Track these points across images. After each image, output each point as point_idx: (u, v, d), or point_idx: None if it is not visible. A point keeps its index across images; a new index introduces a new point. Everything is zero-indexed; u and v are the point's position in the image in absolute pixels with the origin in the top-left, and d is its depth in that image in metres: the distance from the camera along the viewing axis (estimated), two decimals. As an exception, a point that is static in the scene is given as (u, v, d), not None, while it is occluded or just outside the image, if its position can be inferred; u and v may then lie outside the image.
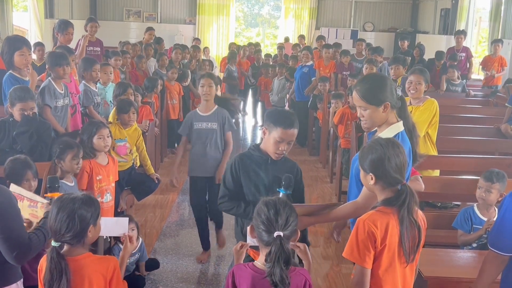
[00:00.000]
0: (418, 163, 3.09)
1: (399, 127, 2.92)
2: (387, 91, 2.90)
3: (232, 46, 12.98)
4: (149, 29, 10.21)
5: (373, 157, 2.47)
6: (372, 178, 2.48)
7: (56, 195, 2.99)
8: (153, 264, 4.61)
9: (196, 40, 13.10)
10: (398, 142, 2.58)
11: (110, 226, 2.80)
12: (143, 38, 10.25)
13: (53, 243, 2.43)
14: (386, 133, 2.90)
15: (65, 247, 2.46)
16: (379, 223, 2.37)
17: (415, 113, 4.75)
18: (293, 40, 16.33)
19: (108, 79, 6.24)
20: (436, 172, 4.92)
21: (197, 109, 4.93)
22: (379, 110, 2.89)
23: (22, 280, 2.88)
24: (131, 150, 5.25)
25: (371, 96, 2.89)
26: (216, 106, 4.81)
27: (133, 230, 4.09)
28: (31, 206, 3.02)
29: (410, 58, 9.94)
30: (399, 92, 3.02)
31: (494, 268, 2.64)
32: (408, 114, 3.00)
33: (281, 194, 2.90)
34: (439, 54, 10.34)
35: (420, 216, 2.55)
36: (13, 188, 3.09)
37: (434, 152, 4.91)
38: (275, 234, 2.28)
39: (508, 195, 2.61)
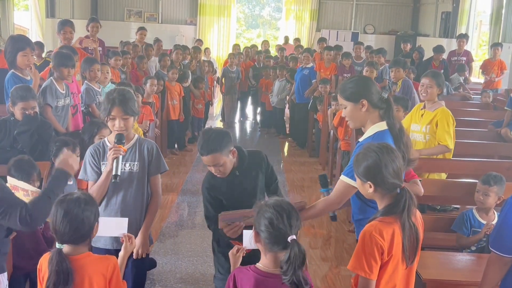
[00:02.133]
0: (409, 168, 3.10)
1: (381, 126, 2.96)
2: (366, 89, 2.99)
3: (235, 48, 12.96)
4: (140, 29, 10.06)
5: (368, 164, 2.45)
6: (370, 186, 2.46)
7: (120, 146, 3.12)
8: (150, 264, 4.61)
9: (198, 41, 13.06)
10: (392, 146, 2.57)
11: (110, 226, 2.81)
12: (136, 39, 10.16)
13: (58, 245, 2.43)
14: (368, 132, 2.98)
15: (68, 247, 2.46)
16: (385, 234, 2.34)
17: (426, 116, 4.74)
18: (293, 41, 16.36)
19: (105, 79, 6.25)
20: (443, 175, 4.92)
21: (105, 138, 3.39)
22: (357, 107, 2.98)
23: (5, 273, 2.93)
24: None
25: (348, 92, 3.01)
26: (136, 136, 3.34)
27: None
28: (26, 195, 3.08)
29: (410, 60, 9.98)
30: (385, 95, 3.07)
31: (497, 270, 2.64)
32: (394, 117, 3.01)
33: (325, 193, 3.16)
34: (438, 48, 10.30)
35: (418, 216, 2.56)
36: (10, 180, 3.18)
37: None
38: (290, 238, 2.26)
39: (510, 197, 2.62)
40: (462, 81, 9.55)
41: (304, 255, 2.27)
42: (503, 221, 2.61)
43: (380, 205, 2.48)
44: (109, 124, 3.22)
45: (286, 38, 15.93)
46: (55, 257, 2.39)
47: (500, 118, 6.91)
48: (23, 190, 3.08)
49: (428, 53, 11.66)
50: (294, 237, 2.28)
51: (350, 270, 2.43)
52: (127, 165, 3.25)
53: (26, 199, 3.05)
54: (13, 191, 3.04)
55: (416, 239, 2.43)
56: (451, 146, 4.68)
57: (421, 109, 4.90)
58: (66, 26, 6.43)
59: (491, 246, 2.65)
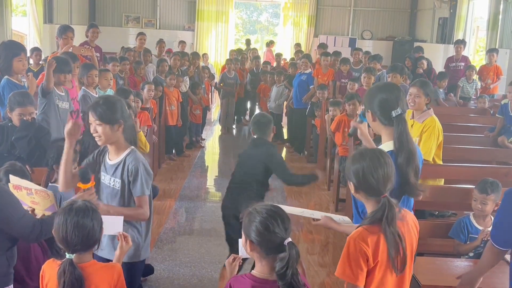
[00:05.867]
0: (416, 196, 2.92)
1: (388, 146, 2.91)
2: (371, 100, 2.99)
3: (232, 53, 12.98)
4: (140, 34, 10.05)
5: (355, 167, 2.46)
6: (353, 186, 2.49)
7: (90, 185, 3.04)
8: (147, 270, 4.61)
9: (182, 43, 12.71)
10: (384, 152, 2.54)
11: (105, 224, 2.78)
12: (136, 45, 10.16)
13: (68, 256, 2.42)
14: (384, 148, 2.92)
15: (75, 256, 2.46)
16: (369, 240, 2.35)
17: (415, 127, 4.72)
18: (292, 47, 16.43)
19: (108, 85, 6.26)
20: (441, 181, 4.92)
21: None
22: (368, 116, 3.03)
23: (11, 286, 2.91)
24: None
25: (364, 99, 3.11)
26: (127, 151, 3.14)
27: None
28: (29, 194, 3.06)
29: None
30: (394, 113, 2.90)
31: (490, 257, 2.88)
32: (404, 141, 2.90)
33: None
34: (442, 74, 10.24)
35: (412, 221, 2.56)
36: (12, 179, 3.15)
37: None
38: (286, 242, 2.25)
39: (506, 192, 2.76)
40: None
41: (299, 256, 2.27)
42: (497, 216, 2.86)
43: (367, 207, 2.50)
44: None
45: (269, 43, 15.92)
46: (68, 268, 2.39)
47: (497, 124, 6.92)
48: (27, 189, 3.05)
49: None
50: (289, 239, 2.27)
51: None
52: (112, 180, 3.15)
53: (29, 198, 3.05)
54: (15, 190, 3.04)
55: (403, 248, 2.40)
56: (428, 158, 4.64)
57: (411, 118, 4.87)
58: (68, 31, 6.37)
59: (490, 237, 2.87)
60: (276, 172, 4.38)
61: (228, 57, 13.36)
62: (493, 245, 2.81)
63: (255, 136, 4.50)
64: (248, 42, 15.83)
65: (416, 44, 15.61)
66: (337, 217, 3.06)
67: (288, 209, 2.78)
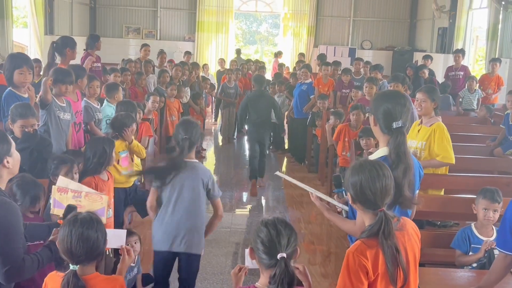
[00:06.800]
0: (409, 208, 2.90)
1: (384, 151, 2.94)
2: (377, 107, 3.01)
3: (233, 63, 13.07)
4: (144, 45, 10.20)
5: (353, 179, 2.46)
6: (351, 197, 2.50)
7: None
8: (148, 280, 4.58)
9: (188, 54, 12.87)
10: (384, 165, 2.52)
11: (109, 237, 2.77)
12: (140, 56, 10.28)
13: (72, 267, 2.41)
14: (378, 153, 2.97)
15: (78, 268, 2.45)
16: (368, 253, 2.34)
17: (422, 132, 4.72)
18: (292, 57, 16.48)
19: (119, 99, 6.30)
20: (440, 191, 4.91)
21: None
22: (371, 119, 3.08)
23: None
24: (132, 159, 5.28)
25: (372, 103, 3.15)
26: None
27: (136, 243, 4.18)
28: (76, 197, 3.01)
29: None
30: (395, 124, 2.93)
31: (502, 268, 2.81)
32: (401, 154, 2.91)
33: (339, 194, 3.30)
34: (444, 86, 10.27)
35: (412, 229, 2.54)
36: (60, 181, 3.09)
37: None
38: (279, 256, 2.26)
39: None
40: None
41: (292, 275, 2.26)
42: (504, 221, 2.80)
43: (365, 220, 2.49)
44: None
45: (277, 53, 16.00)
46: (71, 279, 2.38)
47: (498, 133, 6.92)
48: (74, 191, 2.98)
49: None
50: (283, 255, 2.27)
51: None
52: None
53: (74, 202, 2.99)
54: (59, 193, 2.98)
55: (401, 261, 2.37)
56: (450, 161, 4.66)
57: (418, 124, 4.89)
58: (76, 46, 6.29)
59: (497, 246, 2.88)
60: (276, 112, 7.86)
61: (219, 67, 13.67)
62: (506, 254, 2.79)
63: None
64: (238, 51, 15.91)
65: (415, 54, 15.71)
66: (336, 203, 3.07)
67: (292, 181, 3.08)
